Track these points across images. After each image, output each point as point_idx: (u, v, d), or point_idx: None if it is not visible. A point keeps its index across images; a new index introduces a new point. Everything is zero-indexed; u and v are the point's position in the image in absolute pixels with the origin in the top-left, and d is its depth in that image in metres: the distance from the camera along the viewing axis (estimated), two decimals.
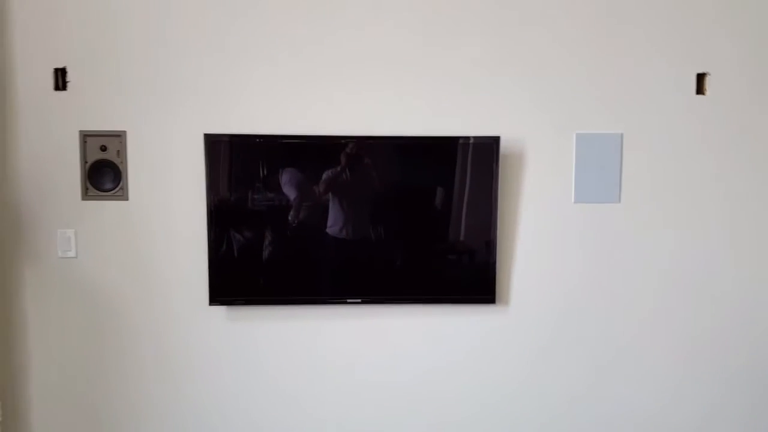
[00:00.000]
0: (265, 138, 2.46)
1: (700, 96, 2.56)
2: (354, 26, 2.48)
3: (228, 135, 2.44)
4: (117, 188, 2.49)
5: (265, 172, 2.46)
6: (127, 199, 2.50)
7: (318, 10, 2.47)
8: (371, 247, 2.53)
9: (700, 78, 2.56)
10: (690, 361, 2.66)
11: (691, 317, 2.64)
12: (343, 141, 2.45)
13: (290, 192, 2.45)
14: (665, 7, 2.52)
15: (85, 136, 2.47)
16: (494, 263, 2.54)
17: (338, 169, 2.45)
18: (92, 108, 2.46)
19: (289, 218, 2.47)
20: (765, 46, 2.55)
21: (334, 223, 2.48)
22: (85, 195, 2.49)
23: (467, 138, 2.47)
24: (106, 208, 2.50)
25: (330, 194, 2.47)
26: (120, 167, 2.48)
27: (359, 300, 2.53)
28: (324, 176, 2.46)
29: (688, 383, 2.67)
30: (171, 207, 2.51)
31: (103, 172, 2.48)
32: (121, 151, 2.48)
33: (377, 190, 2.52)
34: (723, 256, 2.62)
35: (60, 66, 2.44)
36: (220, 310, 2.55)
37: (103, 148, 2.47)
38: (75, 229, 2.50)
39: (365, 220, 2.52)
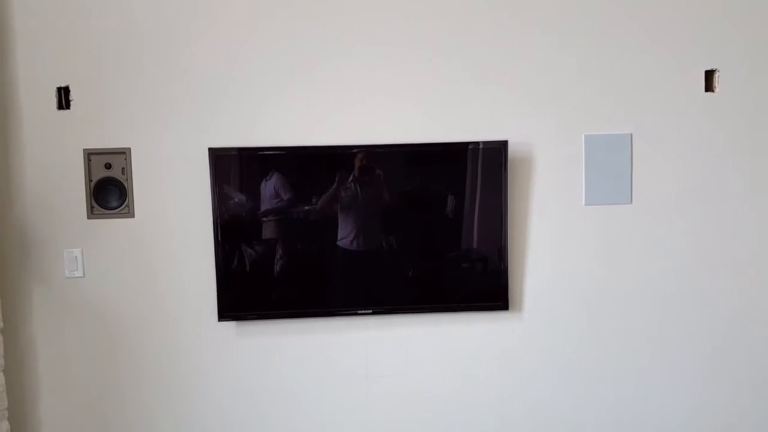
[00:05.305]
0: (271, 150, 2.44)
1: (709, 93, 2.54)
2: (359, 35, 2.47)
3: (233, 148, 2.42)
4: (123, 206, 2.47)
5: (273, 184, 2.44)
6: (133, 216, 2.48)
7: (323, 19, 2.46)
8: (382, 257, 2.50)
9: (709, 75, 2.53)
10: (710, 363, 2.61)
11: (707, 317, 2.60)
12: (352, 150, 2.43)
13: (285, 194, 2.42)
14: (671, 4, 2.50)
15: (90, 155, 2.45)
16: (506, 269, 2.51)
17: (332, 189, 2.42)
18: (96, 126, 2.45)
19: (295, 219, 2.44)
20: None
21: (345, 235, 2.46)
22: (91, 213, 2.47)
23: (477, 143, 2.45)
24: (112, 226, 2.48)
25: (339, 206, 2.44)
26: (125, 184, 2.47)
27: (370, 311, 2.50)
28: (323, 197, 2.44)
29: (708, 386, 2.62)
30: (177, 223, 2.49)
31: (109, 190, 2.47)
32: (126, 169, 2.46)
33: (387, 199, 2.48)
34: (738, 255, 2.58)
35: (63, 85, 2.44)
36: (230, 326, 2.52)
37: (108, 166, 2.46)
38: (81, 249, 2.48)
39: (376, 231, 2.49)
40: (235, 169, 2.44)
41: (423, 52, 2.48)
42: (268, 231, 2.46)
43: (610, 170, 2.53)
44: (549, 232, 2.55)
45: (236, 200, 2.44)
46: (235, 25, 2.45)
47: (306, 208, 2.45)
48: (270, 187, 2.43)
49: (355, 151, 2.43)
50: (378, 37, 2.47)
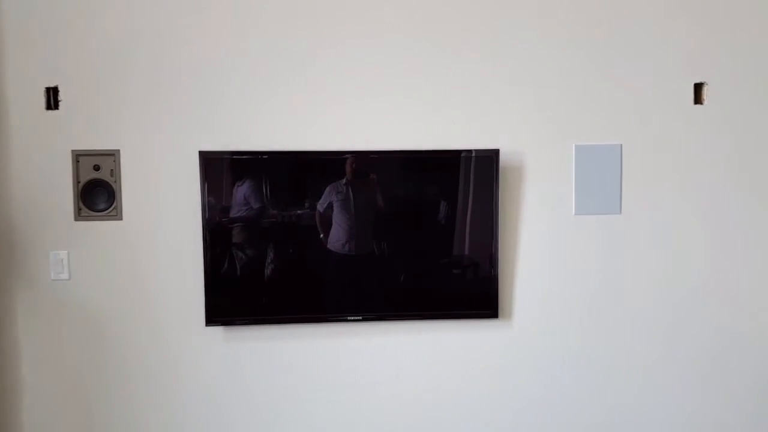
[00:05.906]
0: (261, 154, 2.42)
1: (698, 105, 2.56)
2: (352, 41, 2.46)
3: (223, 152, 2.41)
4: (110, 208, 2.45)
5: (263, 188, 2.42)
6: (121, 219, 2.45)
7: (316, 24, 2.45)
8: (374, 262, 2.49)
9: (698, 87, 2.56)
10: (701, 370, 2.63)
11: (697, 326, 2.62)
12: (344, 156, 2.42)
13: (254, 202, 2.41)
14: (662, 17, 2.53)
15: (78, 156, 2.42)
16: (496, 277, 2.51)
17: (324, 194, 2.42)
18: (85, 127, 2.42)
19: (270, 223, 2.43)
20: (762, 54, 2.56)
21: (337, 239, 2.45)
22: (78, 215, 2.44)
23: (469, 151, 2.45)
24: (99, 228, 2.45)
25: (332, 210, 2.43)
26: (113, 187, 2.44)
27: (359, 317, 2.49)
28: (319, 207, 2.43)
29: (700, 394, 2.63)
30: (166, 226, 2.46)
31: (97, 192, 2.44)
32: (115, 170, 2.44)
33: (380, 204, 2.48)
34: (727, 265, 2.61)
35: (52, 85, 2.41)
36: (217, 331, 2.50)
37: (96, 168, 2.43)
38: (68, 251, 2.44)
39: (368, 236, 2.49)
40: (225, 173, 2.43)
41: (417, 61, 2.48)
42: (258, 235, 2.45)
43: (600, 180, 2.55)
44: (539, 240, 2.56)
45: (225, 204, 2.42)
46: (226, 27, 2.44)
47: (298, 212, 2.44)
48: (248, 189, 2.42)
49: (347, 156, 2.42)
50: (371, 45, 2.47)
